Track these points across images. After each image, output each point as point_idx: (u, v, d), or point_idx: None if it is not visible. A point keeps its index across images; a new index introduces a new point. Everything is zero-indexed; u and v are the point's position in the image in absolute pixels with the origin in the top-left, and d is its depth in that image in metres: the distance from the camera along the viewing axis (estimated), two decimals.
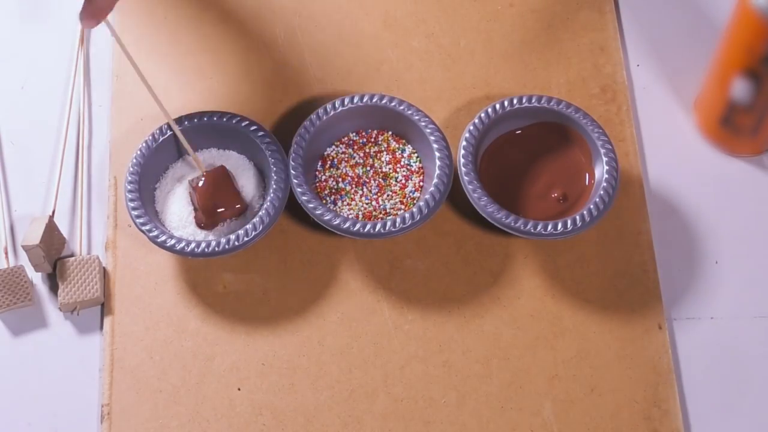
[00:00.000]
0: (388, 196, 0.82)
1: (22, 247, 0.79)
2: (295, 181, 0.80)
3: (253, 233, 0.78)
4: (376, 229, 0.79)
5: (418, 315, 0.80)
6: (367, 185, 0.83)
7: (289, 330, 0.80)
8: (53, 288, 0.82)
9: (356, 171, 0.83)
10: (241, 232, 0.78)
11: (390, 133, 0.84)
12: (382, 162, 0.84)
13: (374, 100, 0.83)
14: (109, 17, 0.92)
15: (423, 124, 0.82)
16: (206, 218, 0.79)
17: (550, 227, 0.78)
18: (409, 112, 0.82)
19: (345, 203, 0.82)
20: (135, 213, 0.79)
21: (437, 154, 0.81)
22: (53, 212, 0.83)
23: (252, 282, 0.82)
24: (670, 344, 0.79)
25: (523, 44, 0.90)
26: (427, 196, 0.79)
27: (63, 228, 0.83)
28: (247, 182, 0.82)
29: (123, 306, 0.81)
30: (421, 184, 0.83)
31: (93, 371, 0.79)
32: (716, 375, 0.79)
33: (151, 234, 0.79)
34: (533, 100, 0.83)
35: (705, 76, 0.85)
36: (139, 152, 0.81)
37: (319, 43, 0.91)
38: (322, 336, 0.80)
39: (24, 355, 0.80)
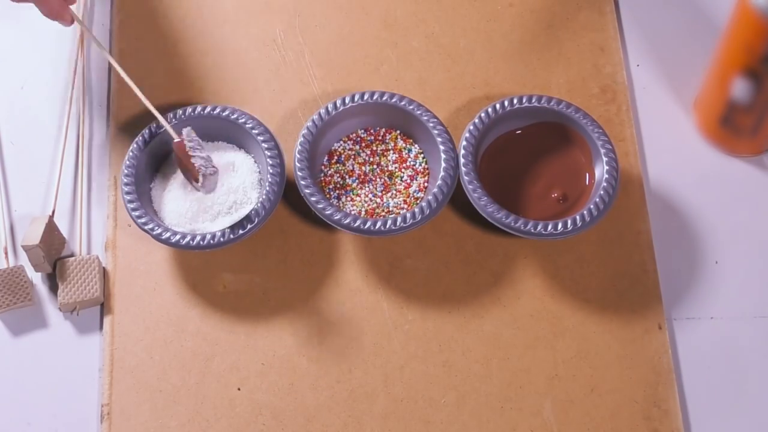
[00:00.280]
0: (392, 194, 0.82)
1: (22, 247, 0.79)
2: (300, 174, 0.80)
3: (249, 226, 0.78)
4: (377, 227, 0.79)
5: (418, 315, 0.80)
6: (373, 183, 0.83)
7: (289, 330, 0.80)
8: (53, 288, 0.82)
9: (362, 168, 0.83)
10: (237, 224, 0.78)
11: (398, 132, 0.85)
12: (389, 160, 0.84)
13: (384, 98, 0.83)
14: (109, 17, 0.93)
15: (431, 124, 0.82)
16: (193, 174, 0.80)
17: (550, 227, 0.78)
18: (419, 112, 0.83)
19: (349, 199, 0.82)
20: (133, 209, 0.79)
21: (443, 155, 0.81)
22: (53, 212, 0.83)
23: (252, 282, 0.82)
24: (670, 344, 0.79)
25: (523, 44, 0.90)
26: (429, 197, 0.80)
27: (63, 228, 0.83)
28: (245, 176, 0.82)
29: (123, 306, 0.81)
30: (426, 184, 0.83)
31: (93, 371, 0.79)
32: (716, 375, 0.79)
33: (148, 227, 0.79)
34: (533, 100, 0.83)
35: (705, 76, 0.85)
36: (131, 153, 0.82)
37: (319, 43, 0.91)
38: (322, 336, 0.80)
39: (24, 355, 0.80)
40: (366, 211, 0.82)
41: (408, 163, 0.83)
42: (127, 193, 0.80)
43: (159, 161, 0.83)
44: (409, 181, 0.83)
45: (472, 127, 0.82)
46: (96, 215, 0.85)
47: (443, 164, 0.81)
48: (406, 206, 0.82)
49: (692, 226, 0.84)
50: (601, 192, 0.79)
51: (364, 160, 0.84)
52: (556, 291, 0.81)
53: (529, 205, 0.82)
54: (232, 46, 0.91)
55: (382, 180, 0.83)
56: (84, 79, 0.90)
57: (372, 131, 0.85)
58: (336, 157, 0.84)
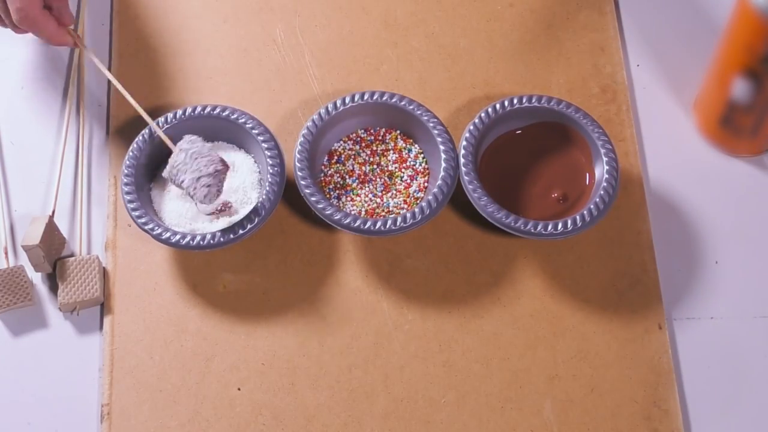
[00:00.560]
0: (392, 194, 0.82)
1: (22, 246, 0.79)
2: (300, 174, 0.80)
3: (249, 226, 0.78)
4: (377, 227, 0.79)
5: (418, 315, 0.80)
6: (373, 183, 0.83)
7: (289, 330, 0.80)
8: (53, 288, 0.82)
9: (362, 168, 0.83)
10: (237, 225, 0.78)
11: (398, 132, 0.85)
12: (389, 160, 0.84)
13: (384, 98, 0.83)
14: (109, 17, 0.93)
15: (431, 124, 0.82)
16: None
17: (550, 227, 0.78)
18: (419, 112, 0.83)
19: (349, 199, 0.82)
20: (133, 209, 0.79)
21: (443, 155, 0.81)
22: (53, 212, 0.83)
23: (252, 282, 0.82)
24: (670, 344, 0.79)
25: (523, 44, 0.90)
26: (429, 197, 0.80)
27: (63, 228, 0.83)
28: (245, 176, 0.82)
29: (123, 306, 0.81)
30: (426, 184, 0.83)
31: (93, 371, 0.79)
32: (716, 375, 0.79)
33: (148, 227, 0.79)
34: (533, 100, 0.83)
35: (705, 76, 0.85)
36: (131, 153, 0.82)
37: (319, 43, 0.91)
38: (322, 336, 0.80)
39: (24, 355, 0.80)
40: (366, 211, 0.82)
41: (408, 163, 0.83)
42: (127, 193, 0.80)
43: (159, 161, 0.83)
44: (409, 181, 0.83)
45: (472, 127, 0.82)
46: (96, 215, 0.85)
47: (443, 164, 0.81)
48: (406, 206, 0.82)
49: (692, 226, 0.84)
50: (601, 192, 0.79)
51: (364, 160, 0.84)
52: (556, 291, 0.81)
53: (529, 205, 0.82)
54: (232, 46, 0.91)
55: (382, 180, 0.83)
56: (84, 79, 0.90)
57: (372, 131, 0.85)
58: (336, 157, 0.84)
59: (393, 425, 0.77)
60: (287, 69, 0.90)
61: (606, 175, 0.80)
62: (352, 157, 0.84)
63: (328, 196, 0.82)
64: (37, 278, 0.83)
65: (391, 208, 0.82)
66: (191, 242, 0.78)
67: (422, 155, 0.84)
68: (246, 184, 0.82)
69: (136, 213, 0.79)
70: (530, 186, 0.83)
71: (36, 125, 0.88)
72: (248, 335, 0.80)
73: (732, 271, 0.82)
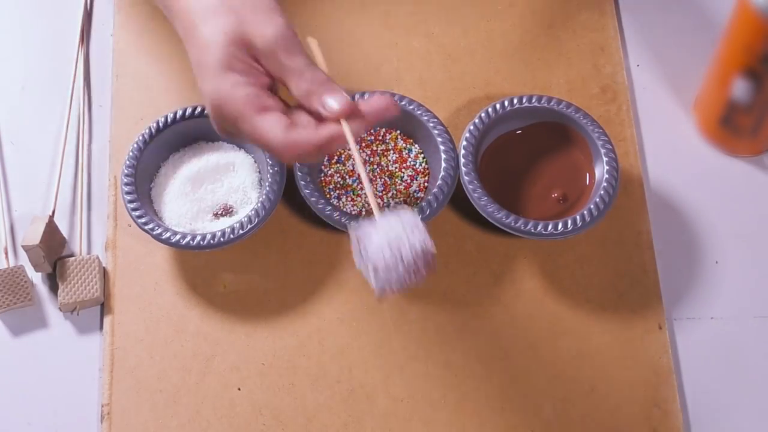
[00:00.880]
0: (392, 194, 0.82)
1: (22, 246, 0.79)
2: (300, 174, 0.80)
3: (249, 226, 0.78)
4: None
5: (418, 315, 0.80)
6: (373, 183, 0.83)
7: (289, 330, 0.80)
8: (53, 288, 0.82)
9: None
10: (237, 225, 0.78)
11: (398, 132, 0.85)
12: (389, 161, 0.84)
13: None
14: (110, 17, 0.93)
15: (431, 124, 0.82)
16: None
17: (550, 227, 0.78)
18: (419, 112, 0.83)
19: (349, 199, 0.82)
20: (133, 209, 0.79)
21: (443, 155, 0.81)
22: (53, 212, 0.83)
23: (252, 282, 0.82)
24: (670, 344, 0.79)
25: (523, 44, 0.90)
26: (429, 197, 0.80)
27: (63, 228, 0.83)
28: (245, 176, 0.82)
29: (123, 306, 0.81)
30: (426, 184, 0.83)
31: (93, 371, 0.79)
32: (716, 375, 0.79)
33: (148, 227, 0.79)
34: (533, 100, 0.83)
35: (705, 76, 0.85)
36: (131, 153, 0.82)
37: (319, 42, 0.91)
38: (322, 336, 0.80)
39: (24, 355, 0.80)
40: (366, 211, 0.82)
41: (408, 163, 0.83)
42: (127, 193, 0.80)
43: (159, 161, 0.83)
44: (409, 181, 0.83)
45: (472, 127, 0.82)
46: (96, 215, 0.85)
47: (443, 164, 0.81)
48: (406, 206, 0.82)
49: (692, 226, 0.84)
50: (601, 192, 0.79)
51: (364, 160, 0.84)
52: (556, 291, 0.81)
53: (529, 205, 0.82)
54: None
55: (383, 180, 0.83)
56: (84, 79, 0.90)
57: (372, 131, 0.85)
58: (336, 157, 0.84)
59: (393, 425, 0.77)
60: None
61: (606, 175, 0.80)
62: (352, 157, 0.84)
63: (328, 196, 0.82)
64: (37, 278, 0.83)
65: (391, 209, 0.82)
66: (191, 242, 0.78)
67: (422, 155, 0.84)
68: (246, 184, 0.82)
69: (136, 213, 0.79)
70: (530, 186, 0.83)
71: (36, 125, 0.88)
72: (248, 335, 0.80)
73: (732, 271, 0.82)
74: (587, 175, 0.83)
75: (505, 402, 0.78)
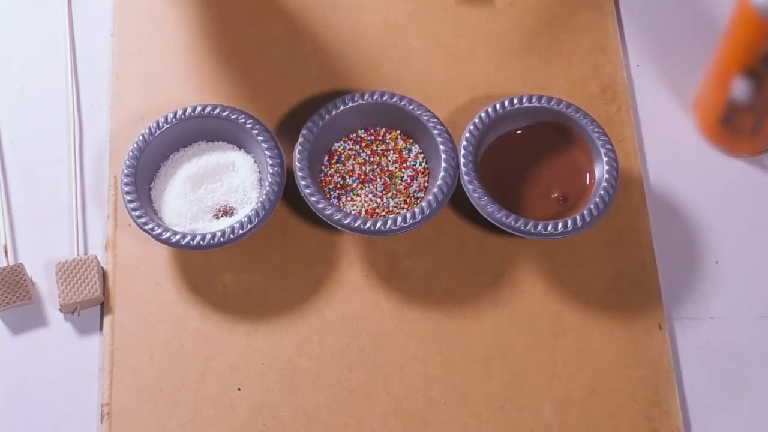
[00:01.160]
0: (392, 194, 0.82)
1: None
2: (300, 173, 0.80)
3: (249, 226, 0.78)
4: (377, 227, 0.79)
5: (418, 315, 0.80)
6: (373, 183, 0.83)
7: (289, 330, 0.80)
8: (53, 287, 0.82)
9: (363, 168, 0.83)
10: (237, 225, 0.78)
11: (398, 131, 0.85)
12: (389, 160, 0.84)
13: (384, 98, 0.83)
14: (110, 17, 0.93)
15: (431, 124, 0.82)
16: None
17: (550, 227, 0.78)
18: (419, 112, 0.83)
19: (349, 199, 0.82)
20: (133, 209, 0.79)
21: (443, 155, 0.81)
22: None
23: (252, 282, 0.82)
24: (670, 344, 0.79)
25: (523, 44, 0.90)
26: (429, 197, 0.80)
27: (62, 228, 0.83)
28: (245, 176, 0.82)
29: (123, 306, 0.81)
30: (426, 184, 0.83)
31: (93, 371, 0.79)
32: (716, 375, 0.79)
33: (148, 227, 0.79)
34: (533, 100, 0.83)
35: (705, 76, 0.85)
36: (131, 152, 0.82)
37: (319, 42, 0.91)
38: (322, 336, 0.80)
39: (24, 355, 0.80)
40: (366, 211, 0.82)
41: (408, 163, 0.83)
42: (127, 193, 0.80)
43: (159, 161, 0.83)
44: (409, 181, 0.83)
45: (472, 127, 0.82)
46: (96, 215, 0.85)
47: (443, 164, 0.81)
48: (406, 206, 0.82)
49: (692, 226, 0.84)
50: (601, 192, 0.79)
51: (365, 160, 0.84)
52: (556, 291, 0.81)
53: (529, 205, 0.82)
54: (231, 46, 0.91)
55: (383, 180, 0.83)
56: (84, 79, 0.90)
57: (372, 131, 0.85)
58: (336, 157, 0.84)
59: (393, 425, 0.77)
60: (287, 69, 0.90)
61: (606, 175, 0.80)
62: (352, 157, 0.84)
63: (328, 196, 0.82)
64: (36, 277, 0.83)
65: (391, 208, 0.82)
66: (191, 242, 0.78)
67: (422, 155, 0.84)
68: (246, 184, 0.82)
69: (136, 213, 0.79)
70: (530, 186, 0.83)
71: (36, 125, 0.88)
72: (248, 335, 0.80)
73: (732, 271, 0.82)
74: (587, 175, 0.83)
75: (505, 402, 0.78)
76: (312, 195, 0.80)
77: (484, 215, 0.80)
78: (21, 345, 0.81)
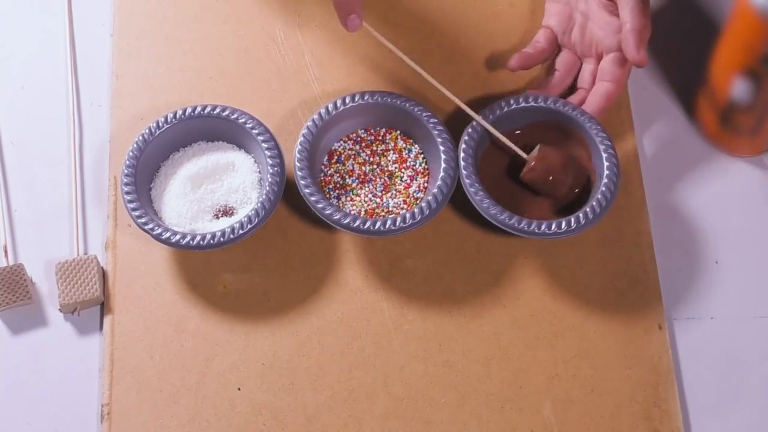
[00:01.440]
0: (392, 194, 0.82)
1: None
2: (299, 173, 0.80)
3: (249, 226, 0.78)
4: (376, 227, 0.79)
5: (418, 315, 0.80)
6: (372, 183, 0.83)
7: (289, 330, 0.80)
8: (53, 287, 0.82)
9: (362, 168, 0.83)
10: (237, 225, 0.78)
11: (398, 132, 0.85)
12: (389, 161, 0.84)
13: (384, 98, 0.83)
14: (110, 17, 0.93)
15: (431, 125, 0.82)
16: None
17: (553, 227, 0.78)
18: (419, 112, 0.83)
19: (348, 199, 0.82)
20: (133, 209, 0.79)
21: (443, 156, 0.81)
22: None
23: (252, 282, 0.82)
24: (670, 344, 0.79)
25: (523, 44, 0.90)
26: (429, 197, 0.80)
27: (62, 227, 0.83)
28: (245, 176, 0.82)
29: (123, 306, 0.81)
30: (426, 185, 0.83)
31: (93, 371, 0.79)
32: (716, 375, 0.79)
33: (148, 227, 0.79)
34: (532, 100, 0.83)
35: (705, 77, 0.85)
36: (131, 152, 0.82)
37: (319, 42, 0.91)
38: (322, 336, 0.80)
39: (24, 355, 0.80)
40: (366, 211, 0.82)
41: (408, 163, 0.83)
42: (127, 193, 0.80)
43: (159, 161, 0.83)
44: (409, 181, 0.83)
45: (470, 130, 0.82)
46: (96, 215, 0.85)
47: (443, 164, 0.81)
48: (405, 206, 0.82)
49: (692, 226, 0.84)
50: (601, 191, 0.79)
51: (364, 160, 0.84)
52: (556, 291, 0.81)
53: (528, 205, 0.82)
54: (232, 46, 0.91)
55: (382, 180, 0.83)
56: (84, 79, 0.90)
57: (372, 131, 0.85)
58: (336, 157, 0.84)
59: (393, 425, 0.77)
60: (287, 69, 0.90)
61: (606, 173, 0.80)
62: (352, 157, 0.84)
63: (327, 196, 0.82)
64: (36, 277, 0.83)
65: (390, 208, 0.82)
66: (191, 242, 0.78)
67: (422, 155, 0.84)
68: (246, 184, 0.82)
69: (136, 213, 0.79)
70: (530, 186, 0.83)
71: (36, 125, 0.88)
72: (248, 335, 0.80)
73: (732, 271, 0.82)
74: (587, 174, 0.83)
75: (505, 402, 0.78)
76: (312, 195, 0.80)
77: (485, 215, 0.79)
78: (21, 345, 0.81)
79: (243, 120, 0.82)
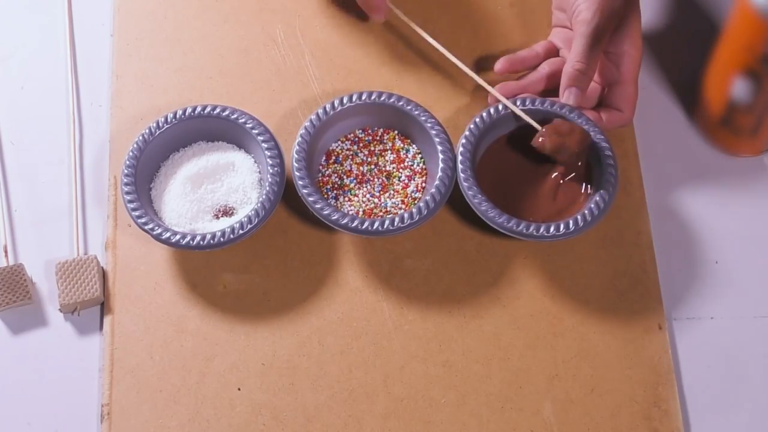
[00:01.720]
0: (390, 195, 0.82)
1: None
2: (297, 174, 0.80)
3: (249, 226, 0.78)
4: (374, 227, 0.79)
5: (418, 315, 0.80)
6: (370, 183, 0.83)
7: (289, 330, 0.80)
8: (53, 287, 0.82)
9: (360, 168, 0.83)
10: (237, 225, 0.78)
11: (396, 132, 0.85)
12: (386, 161, 0.84)
13: (382, 99, 0.83)
14: (110, 17, 0.93)
15: (429, 125, 0.82)
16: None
17: (551, 229, 0.78)
18: (416, 112, 0.83)
19: (346, 199, 0.82)
20: (133, 209, 0.79)
21: (441, 156, 0.81)
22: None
23: (252, 282, 0.82)
24: (670, 344, 0.79)
25: (523, 44, 0.90)
26: (427, 197, 0.80)
27: (62, 228, 0.83)
28: (245, 176, 0.82)
29: (123, 306, 0.81)
30: (424, 185, 0.83)
31: (93, 371, 0.79)
32: (716, 375, 0.79)
33: (148, 227, 0.79)
34: (530, 103, 0.83)
35: (705, 76, 0.85)
36: (131, 152, 0.82)
37: (319, 43, 0.91)
38: (322, 336, 0.80)
39: (24, 355, 0.80)
40: (364, 211, 0.82)
41: (406, 164, 0.83)
42: (127, 193, 0.80)
43: (159, 161, 0.84)
44: (406, 181, 0.83)
45: (469, 131, 0.82)
46: (96, 215, 0.85)
47: (441, 165, 0.81)
48: (403, 206, 0.82)
49: (692, 226, 0.84)
50: (600, 193, 0.79)
51: (362, 160, 0.84)
52: (556, 291, 0.81)
53: (527, 207, 0.82)
54: (232, 46, 0.91)
55: (380, 180, 0.83)
56: (84, 79, 0.90)
57: (370, 131, 0.85)
58: (334, 157, 0.84)
59: (393, 425, 0.77)
60: (287, 69, 0.90)
61: (605, 175, 0.80)
62: (350, 157, 0.84)
63: (325, 196, 0.82)
64: (36, 277, 0.83)
65: (388, 209, 0.82)
66: (191, 242, 0.78)
67: (420, 156, 0.84)
68: (246, 184, 0.82)
69: (136, 213, 0.79)
70: (529, 187, 0.83)
71: (36, 125, 0.88)
72: (248, 335, 0.80)
73: (732, 271, 0.82)
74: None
75: (505, 402, 0.78)
76: (310, 195, 0.80)
77: (483, 219, 0.79)
78: (21, 345, 0.81)
79: (243, 120, 0.82)
